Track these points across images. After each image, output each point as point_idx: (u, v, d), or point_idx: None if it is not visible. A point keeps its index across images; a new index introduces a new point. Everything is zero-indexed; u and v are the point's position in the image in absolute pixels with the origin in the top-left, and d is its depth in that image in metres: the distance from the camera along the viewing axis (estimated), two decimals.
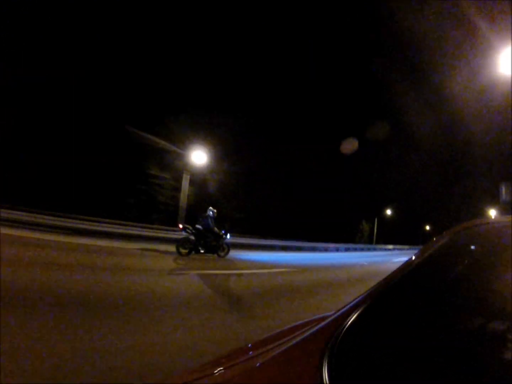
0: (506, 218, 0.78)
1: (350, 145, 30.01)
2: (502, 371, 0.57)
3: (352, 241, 34.54)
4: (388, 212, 40.83)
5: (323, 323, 0.85)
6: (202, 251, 10.13)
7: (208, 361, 0.97)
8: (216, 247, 10.38)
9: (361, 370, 0.67)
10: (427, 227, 62.23)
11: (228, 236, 10.66)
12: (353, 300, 0.85)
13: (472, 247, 0.81)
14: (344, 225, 35.92)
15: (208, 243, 10.20)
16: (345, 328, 0.76)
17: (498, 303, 0.65)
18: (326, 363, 0.69)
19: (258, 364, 0.84)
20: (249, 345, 1.02)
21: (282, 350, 0.84)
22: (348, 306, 0.84)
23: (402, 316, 0.75)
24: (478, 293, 0.69)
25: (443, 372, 0.60)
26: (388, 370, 0.65)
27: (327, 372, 0.67)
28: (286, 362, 0.81)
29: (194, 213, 13.83)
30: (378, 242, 38.15)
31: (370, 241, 38.13)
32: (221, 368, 0.90)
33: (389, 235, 41.97)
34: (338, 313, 0.84)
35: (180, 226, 10.35)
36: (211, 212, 10.60)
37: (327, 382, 0.65)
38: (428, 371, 0.61)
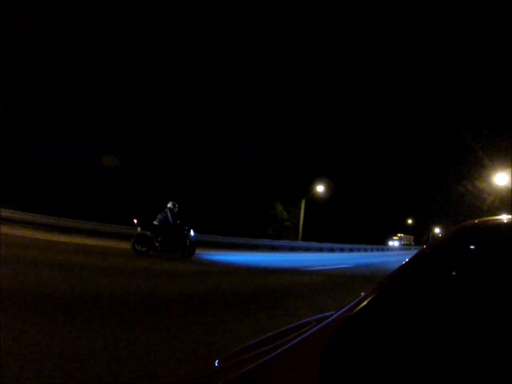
0: (506, 218, 0.81)
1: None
2: (502, 370, 0.58)
3: (262, 235, 21.02)
4: (320, 190, 23.96)
5: (323, 323, 0.85)
6: (160, 249, 8.98)
7: (207, 361, 0.94)
8: (177, 245, 9.24)
9: (361, 369, 0.67)
10: (409, 221, 54.56)
11: (192, 232, 9.53)
12: (353, 300, 0.85)
13: (472, 247, 0.81)
14: (248, 211, 23.10)
15: (167, 241, 9.05)
16: (345, 328, 0.77)
17: (498, 303, 0.66)
18: (326, 363, 0.69)
19: (257, 364, 0.81)
20: (249, 345, 0.99)
21: (282, 350, 0.83)
22: (348, 306, 0.84)
23: (402, 316, 0.75)
24: (478, 293, 0.70)
25: (442, 372, 0.61)
26: (387, 369, 0.65)
27: (327, 372, 0.67)
28: (286, 362, 0.80)
29: None
30: (317, 239, 22.34)
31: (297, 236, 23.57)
32: (221, 368, 0.88)
33: (340, 228, 28.68)
34: (338, 313, 0.85)
35: (135, 220, 9.16)
36: (171, 205, 9.42)
37: (327, 382, 0.66)
38: (427, 371, 0.62)
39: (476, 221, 0.86)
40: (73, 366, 2.27)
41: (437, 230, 48.41)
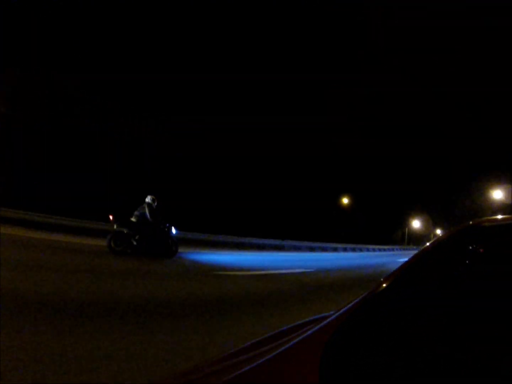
0: (506, 218, 0.81)
1: None
2: (502, 372, 0.58)
3: None
4: None
5: (323, 323, 0.85)
6: (138, 248, 8.37)
7: (206, 361, 0.94)
8: (157, 243, 8.64)
9: (360, 370, 0.67)
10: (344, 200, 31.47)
11: (173, 230, 8.94)
12: (353, 300, 0.84)
13: (471, 247, 0.80)
14: None
15: (145, 239, 8.45)
16: (344, 328, 0.76)
17: (499, 304, 0.66)
18: (325, 363, 0.68)
19: (257, 364, 0.80)
20: (249, 344, 0.98)
21: (281, 350, 0.83)
22: (348, 306, 0.84)
23: (401, 316, 0.75)
24: (478, 294, 0.70)
25: (442, 373, 0.61)
26: (387, 370, 0.65)
27: (327, 372, 0.67)
28: (286, 362, 0.80)
29: None
30: None
31: None
32: (220, 368, 0.88)
33: None
34: (338, 313, 0.84)
35: (111, 217, 8.54)
36: (149, 200, 8.81)
37: (327, 382, 0.65)
38: (427, 372, 0.62)
39: (480, 220, 0.85)
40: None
41: (416, 224, 36.62)
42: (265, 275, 7.95)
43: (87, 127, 17.76)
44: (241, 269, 8.36)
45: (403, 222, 37.75)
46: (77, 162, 17.56)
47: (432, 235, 43.61)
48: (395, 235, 38.35)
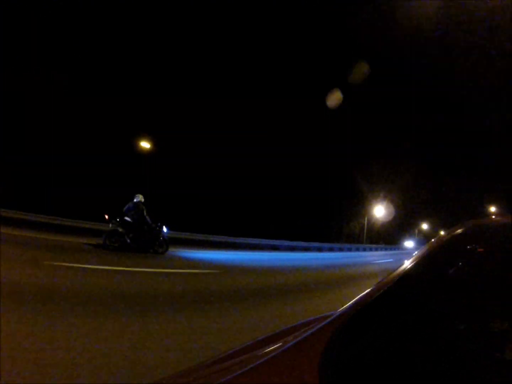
0: (506, 218, 0.80)
1: None
2: (502, 371, 0.58)
3: None
4: None
5: (323, 323, 0.84)
6: (131, 246, 8.59)
7: (206, 361, 0.92)
8: (150, 242, 8.87)
9: (361, 370, 0.67)
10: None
11: (165, 229, 9.18)
12: (353, 300, 0.84)
13: (469, 247, 0.80)
14: None
15: (139, 237, 8.68)
16: (345, 328, 0.75)
17: (498, 303, 0.66)
18: (326, 363, 0.68)
19: (257, 364, 0.80)
20: (248, 345, 0.98)
21: (281, 350, 0.83)
22: (348, 306, 0.84)
23: (401, 316, 0.75)
24: (477, 293, 0.70)
25: (442, 373, 0.61)
26: (387, 370, 0.65)
27: (327, 372, 0.67)
28: (286, 362, 0.79)
29: None
30: None
31: None
32: (220, 368, 0.88)
33: None
34: (338, 313, 0.84)
35: (106, 216, 8.77)
36: (138, 199, 9.05)
37: (327, 382, 0.65)
38: (427, 372, 0.62)
39: (474, 221, 0.85)
40: None
41: (380, 212, 24.87)
42: None
43: (86, 127, 18.09)
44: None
45: (363, 210, 25.09)
46: (77, 162, 17.84)
47: (416, 231, 41.97)
48: (348, 227, 26.18)
